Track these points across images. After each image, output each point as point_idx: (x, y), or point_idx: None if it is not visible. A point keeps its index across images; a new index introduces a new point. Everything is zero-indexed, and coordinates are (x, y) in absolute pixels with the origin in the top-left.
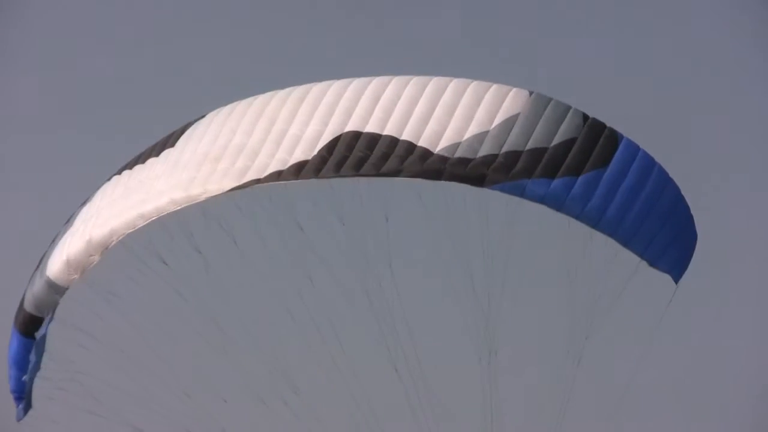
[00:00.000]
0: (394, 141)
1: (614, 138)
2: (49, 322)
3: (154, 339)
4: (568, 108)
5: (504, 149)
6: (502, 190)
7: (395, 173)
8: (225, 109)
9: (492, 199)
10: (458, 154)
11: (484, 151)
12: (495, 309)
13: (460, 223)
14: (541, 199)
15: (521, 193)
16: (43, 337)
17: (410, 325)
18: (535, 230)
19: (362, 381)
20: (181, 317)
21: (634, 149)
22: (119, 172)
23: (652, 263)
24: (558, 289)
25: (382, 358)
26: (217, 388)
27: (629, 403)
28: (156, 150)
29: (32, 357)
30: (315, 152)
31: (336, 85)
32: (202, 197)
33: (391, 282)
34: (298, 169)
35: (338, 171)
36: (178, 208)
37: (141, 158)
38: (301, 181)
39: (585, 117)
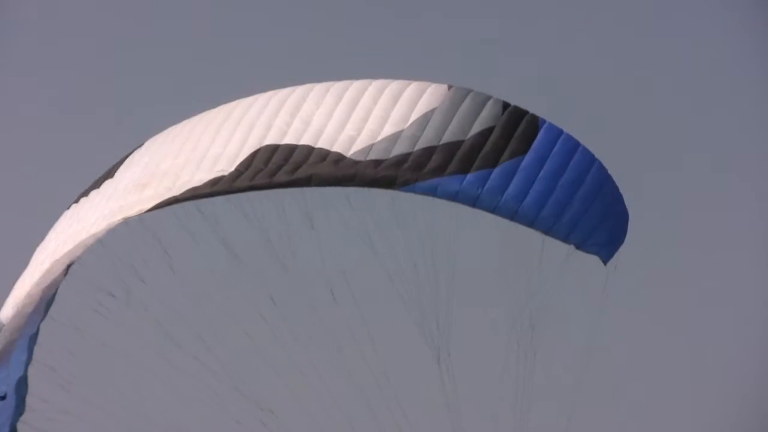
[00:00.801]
0: (309, 150)
1: (534, 124)
2: (27, 363)
3: (123, 371)
4: (488, 98)
5: (417, 147)
6: (413, 190)
7: (306, 181)
8: (159, 135)
9: (417, 198)
10: (371, 156)
11: (397, 150)
12: (440, 310)
13: (391, 224)
14: (453, 197)
15: (433, 192)
16: (24, 378)
17: (361, 334)
18: (469, 224)
19: (328, 391)
20: (141, 346)
21: (555, 133)
22: (68, 208)
23: (579, 247)
24: (500, 283)
25: (340, 368)
26: (193, 414)
27: (589, 391)
28: (98, 182)
29: (10, 400)
30: (233, 168)
31: (260, 99)
32: (119, 220)
33: (331, 292)
34: (214, 184)
35: (251, 182)
36: (103, 233)
37: (86, 191)
38: (221, 196)
39: (505, 105)
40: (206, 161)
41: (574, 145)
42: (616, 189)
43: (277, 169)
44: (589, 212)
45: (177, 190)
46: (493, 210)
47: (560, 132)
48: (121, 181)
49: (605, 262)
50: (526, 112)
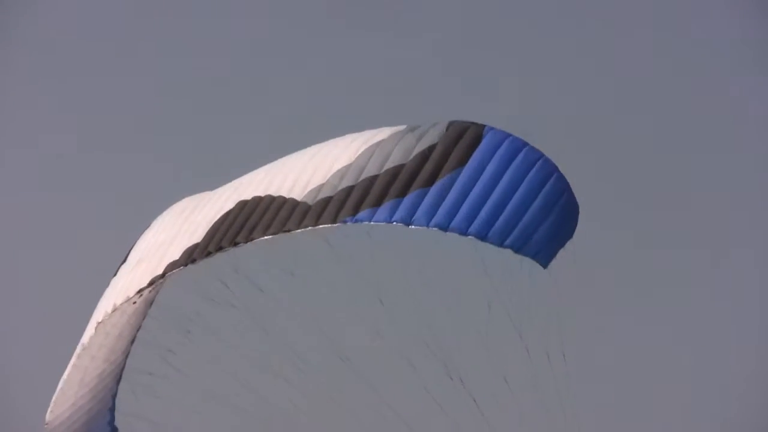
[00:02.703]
0: (270, 200)
1: (479, 133)
2: None
3: None
4: (438, 122)
5: (362, 176)
6: (355, 221)
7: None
8: (164, 212)
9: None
10: (321, 195)
11: (343, 184)
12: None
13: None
14: (388, 222)
15: (369, 220)
16: None
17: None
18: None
19: None
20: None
21: (498, 138)
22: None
23: (517, 251)
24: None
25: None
26: None
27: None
28: (116, 269)
29: None
30: (206, 233)
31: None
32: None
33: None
34: (189, 253)
35: (219, 245)
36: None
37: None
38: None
39: (451, 123)
40: (187, 229)
41: (517, 147)
42: (562, 182)
43: (238, 230)
44: (527, 213)
45: (160, 268)
46: (428, 227)
47: (505, 136)
48: (127, 264)
49: (544, 266)
50: (471, 124)
